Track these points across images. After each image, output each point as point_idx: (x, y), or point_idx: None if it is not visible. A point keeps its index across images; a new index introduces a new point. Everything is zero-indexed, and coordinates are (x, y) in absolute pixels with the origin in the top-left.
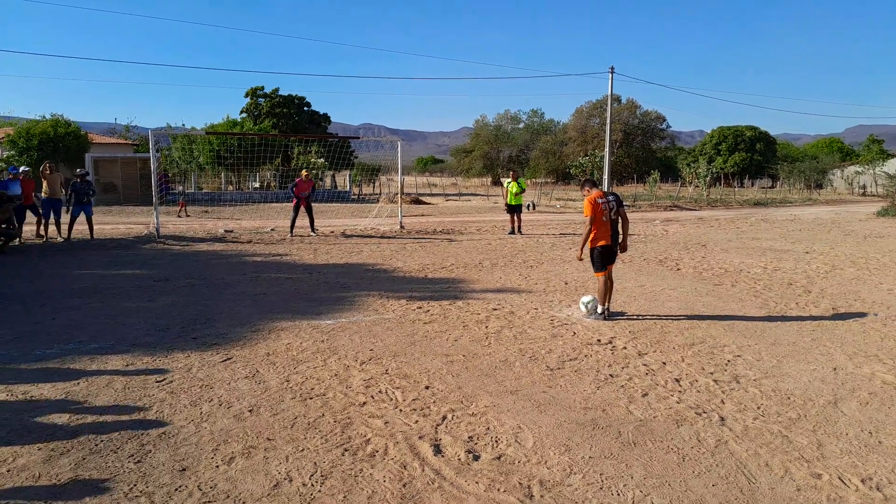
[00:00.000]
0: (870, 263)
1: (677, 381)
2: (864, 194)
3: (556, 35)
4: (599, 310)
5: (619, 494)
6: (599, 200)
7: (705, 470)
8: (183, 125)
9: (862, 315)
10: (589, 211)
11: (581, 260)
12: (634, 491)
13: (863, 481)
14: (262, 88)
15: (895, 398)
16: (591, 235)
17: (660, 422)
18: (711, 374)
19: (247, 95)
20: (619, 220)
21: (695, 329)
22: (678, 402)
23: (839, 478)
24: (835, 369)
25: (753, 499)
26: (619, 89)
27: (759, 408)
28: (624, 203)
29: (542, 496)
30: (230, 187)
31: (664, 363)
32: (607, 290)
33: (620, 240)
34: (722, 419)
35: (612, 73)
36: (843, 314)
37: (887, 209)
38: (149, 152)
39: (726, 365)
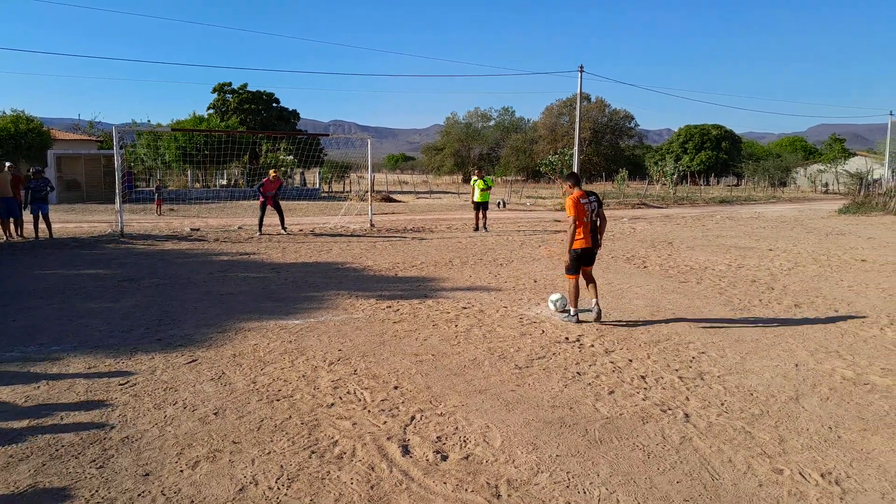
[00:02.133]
0: (831, 260)
1: (643, 378)
2: (826, 192)
3: (526, 33)
4: (572, 312)
5: (585, 492)
6: (582, 200)
7: (670, 467)
8: (148, 121)
9: (823, 311)
10: (572, 211)
11: (569, 262)
12: (601, 489)
13: (822, 476)
14: (230, 84)
15: (854, 393)
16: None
17: (626, 419)
18: (676, 370)
19: (214, 91)
20: (598, 221)
21: (660, 326)
22: (644, 400)
23: (800, 472)
24: (796, 365)
25: (717, 495)
26: (589, 88)
27: (722, 404)
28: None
29: (509, 495)
30: (197, 185)
31: (630, 360)
32: (578, 292)
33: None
34: (686, 416)
35: (581, 71)
36: (804, 311)
37: (848, 207)
38: (113, 149)
39: (691, 362)
